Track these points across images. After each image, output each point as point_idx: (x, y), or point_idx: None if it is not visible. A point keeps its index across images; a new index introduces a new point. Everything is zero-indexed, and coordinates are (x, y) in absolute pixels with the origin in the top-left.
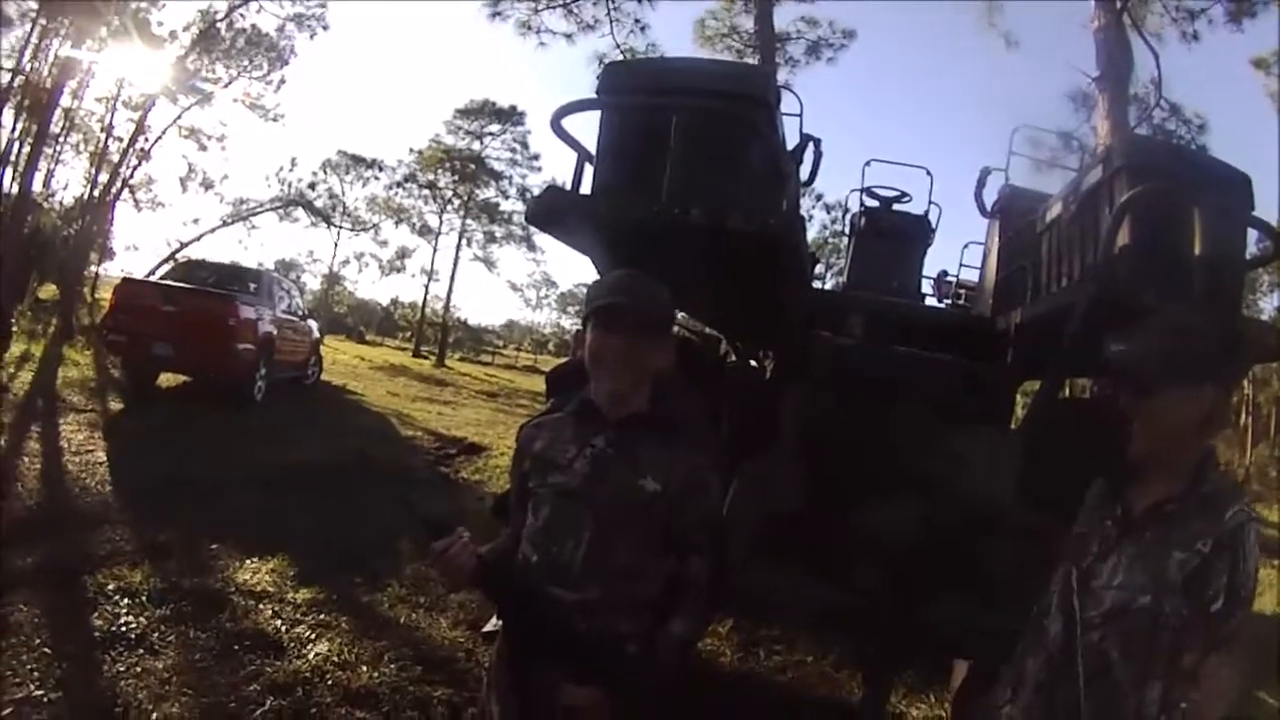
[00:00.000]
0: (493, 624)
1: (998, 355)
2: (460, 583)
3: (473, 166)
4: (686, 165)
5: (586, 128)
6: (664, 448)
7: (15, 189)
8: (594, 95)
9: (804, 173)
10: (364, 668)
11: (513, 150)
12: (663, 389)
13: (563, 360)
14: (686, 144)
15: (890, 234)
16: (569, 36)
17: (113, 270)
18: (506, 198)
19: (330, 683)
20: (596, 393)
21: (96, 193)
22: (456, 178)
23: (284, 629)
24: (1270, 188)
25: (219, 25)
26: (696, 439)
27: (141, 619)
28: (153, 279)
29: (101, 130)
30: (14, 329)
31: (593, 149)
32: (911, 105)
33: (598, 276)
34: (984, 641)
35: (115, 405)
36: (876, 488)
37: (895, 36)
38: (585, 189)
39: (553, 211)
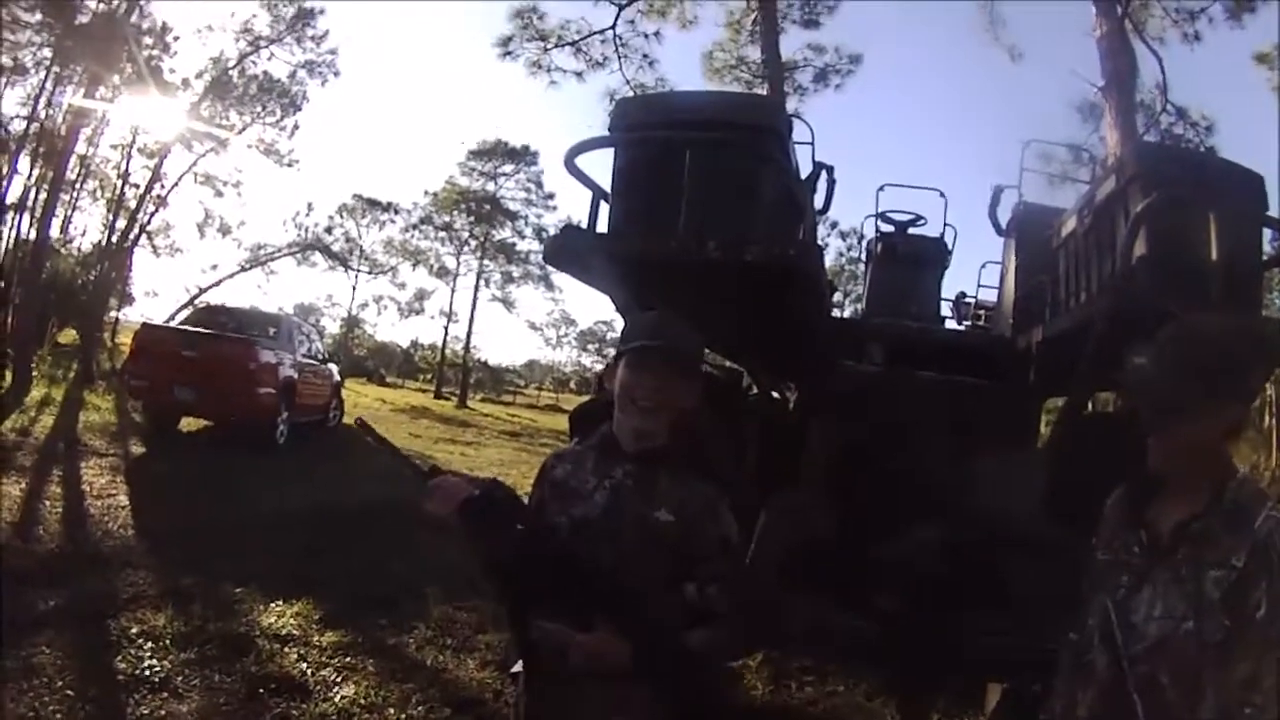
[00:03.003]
0: (520, 665)
1: (1020, 375)
2: (451, 505)
3: (488, 207)
4: (701, 198)
5: (602, 166)
6: (678, 479)
7: (33, 235)
8: (606, 133)
9: (818, 201)
10: (391, 710)
11: (527, 190)
12: (682, 423)
13: (586, 399)
14: (701, 177)
15: (907, 258)
16: (579, 74)
17: (132, 315)
18: (523, 237)
19: None
20: (619, 428)
21: (115, 239)
22: (472, 219)
23: (310, 672)
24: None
25: (231, 72)
26: (708, 470)
27: (165, 662)
28: (173, 324)
29: (118, 177)
30: (34, 374)
31: (607, 186)
32: (922, 127)
33: (625, 315)
34: (1014, 662)
35: (137, 449)
36: (904, 513)
37: (901, 59)
38: (601, 227)
39: (569, 251)
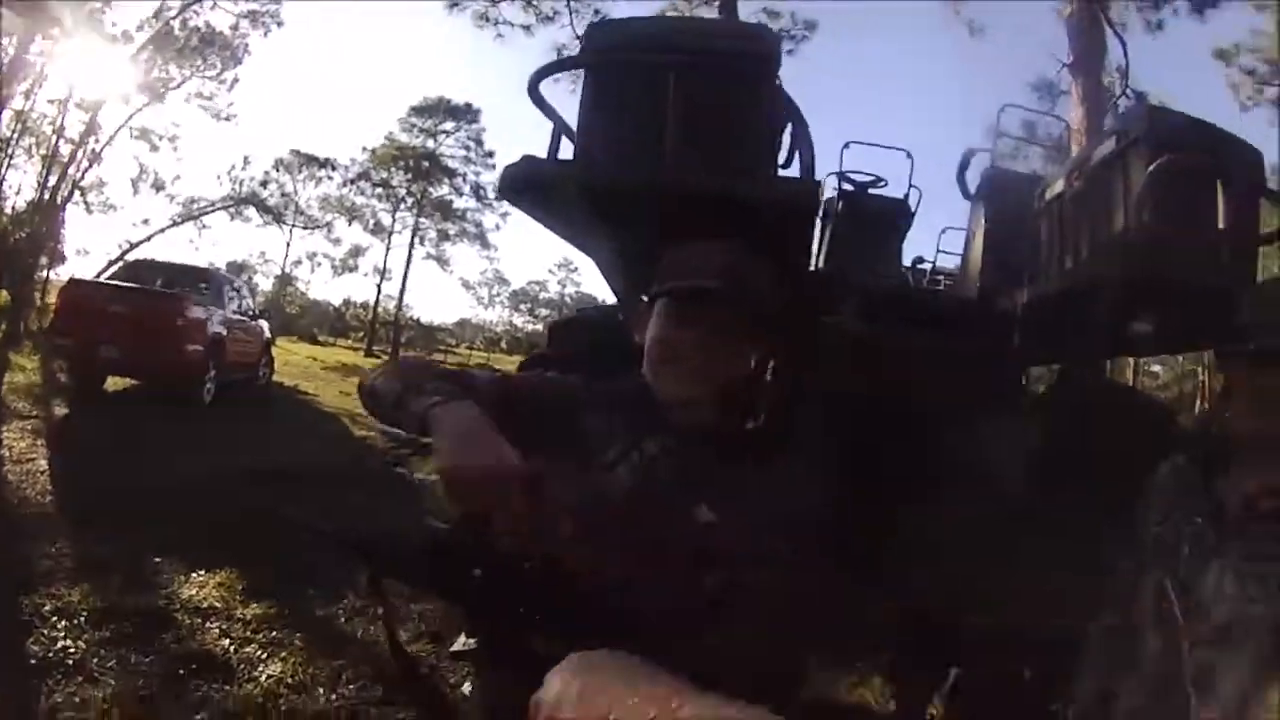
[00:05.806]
0: (461, 643)
1: (999, 339)
2: None
3: (426, 164)
4: (686, 129)
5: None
6: (729, 465)
7: None
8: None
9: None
10: (320, 690)
11: (467, 148)
12: (733, 391)
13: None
14: (686, 106)
15: (867, 219)
16: (527, 28)
17: (64, 274)
18: (460, 195)
19: (284, 708)
20: (659, 392)
21: (47, 196)
22: (410, 176)
23: (233, 649)
24: None
25: (172, 24)
26: (776, 462)
27: (80, 642)
28: (100, 279)
29: (53, 132)
30: None
31: (570, 122)
32: (877, 94)
33: (675, 248)
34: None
35: (60, 411)
36: (906, 487)
37: (860, 28)
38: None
39: (530, 182)
